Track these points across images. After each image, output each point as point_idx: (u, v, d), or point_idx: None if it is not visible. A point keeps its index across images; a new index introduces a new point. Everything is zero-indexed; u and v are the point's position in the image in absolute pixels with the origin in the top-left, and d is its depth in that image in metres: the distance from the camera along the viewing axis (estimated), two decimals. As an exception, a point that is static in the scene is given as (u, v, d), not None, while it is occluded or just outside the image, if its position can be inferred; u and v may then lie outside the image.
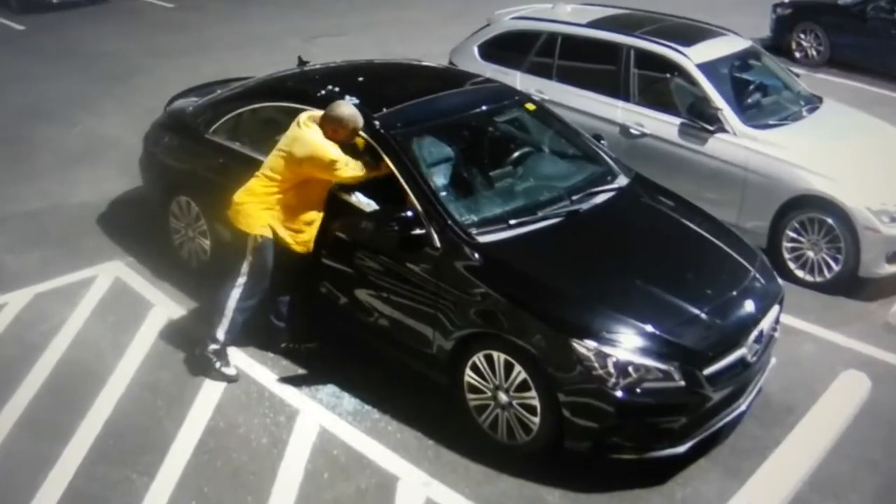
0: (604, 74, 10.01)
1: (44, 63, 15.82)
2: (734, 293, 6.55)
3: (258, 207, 6.94)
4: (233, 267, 7.08)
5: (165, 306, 8.20)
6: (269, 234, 6.95)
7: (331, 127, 6.83)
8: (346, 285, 7.21)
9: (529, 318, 6.12)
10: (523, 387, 6.15)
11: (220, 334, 7.12)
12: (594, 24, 10.37)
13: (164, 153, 8.86)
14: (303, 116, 6.98)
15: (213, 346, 7.16)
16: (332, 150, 6.76)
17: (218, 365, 7.16)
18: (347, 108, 6.87)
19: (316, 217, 7.06)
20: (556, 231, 6.84)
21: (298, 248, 7.09)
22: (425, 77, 8.85)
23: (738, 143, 9.00)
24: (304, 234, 7.06)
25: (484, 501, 6.04)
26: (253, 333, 7.35)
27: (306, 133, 6.85)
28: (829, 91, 11.51)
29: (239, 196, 7.04)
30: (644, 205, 7.53)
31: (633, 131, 9.62)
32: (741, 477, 6.25)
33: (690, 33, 10.17)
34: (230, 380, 7.15)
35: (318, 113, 6.95)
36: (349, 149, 6.93)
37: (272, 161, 6.97)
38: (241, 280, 7.02)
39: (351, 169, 6.80)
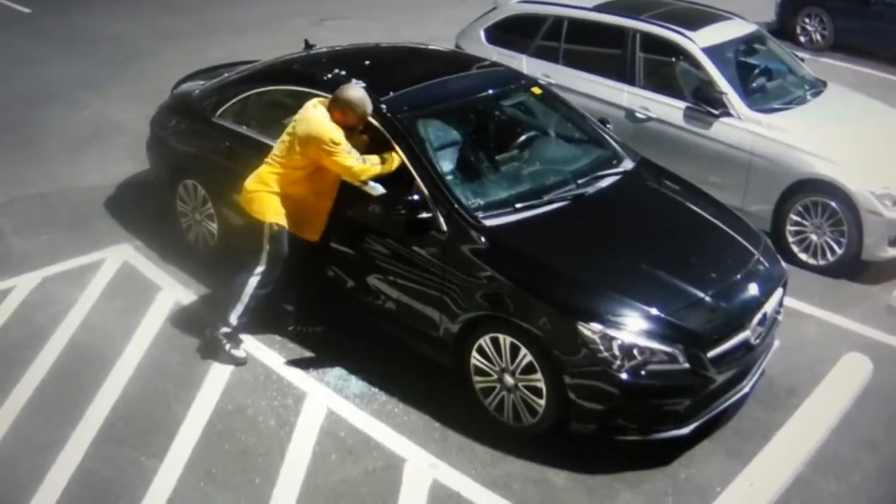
0: (610, 58, 10.01)
1: (50, 46, 15.76)
2: (738, 276, 6.58)
3: (270, 194, 6.93)
4: (248, 253, 7.07)
5: (173, 289, 8.23)
6: (283, 221, 6.94)
7: (339, 110, 6.74)
8: (354, 269, 7.25)
9: (535, 301, 6.15)
10: (529, 369, 6.19)
11: (234, 319, 7.13)
12: (600, 8, 10.35)
13: (171, 137, 8.87)
14: (312, 101, 6.93)
15: (225, 329, 7.18)
16: (333, 132, 6.64)
17: (228, 347, 7.19)
18: (356, 91, 6.79)
19: (326, 208, 7.05)
20: (561, 215, 6.86)
21: (308, 236, 7.11)
22: (432, 61, 8.84)
23: (743, 126, 9.02)
24: (314, 223, 7.08)
25: (490, 483, 6.08)
26: (261, 317, 7.36)
27: (311, 113, 6.80)
28: (834, 75, 11.53)
29: (250, 184, 7.04)
30: (649, 189, 7.55)
31: (638, 115, 9.63)
32: (744, 458, 6.29)
33: (696, 17, 10.16)
34: (239, 363, 7.18)
35: (328, 98, 6.90)
36: (359, 147, 6.86)
37: (279, 146, 6.96)
38: (260, 269, 7.01)
39: (352, 159, 6.65)
